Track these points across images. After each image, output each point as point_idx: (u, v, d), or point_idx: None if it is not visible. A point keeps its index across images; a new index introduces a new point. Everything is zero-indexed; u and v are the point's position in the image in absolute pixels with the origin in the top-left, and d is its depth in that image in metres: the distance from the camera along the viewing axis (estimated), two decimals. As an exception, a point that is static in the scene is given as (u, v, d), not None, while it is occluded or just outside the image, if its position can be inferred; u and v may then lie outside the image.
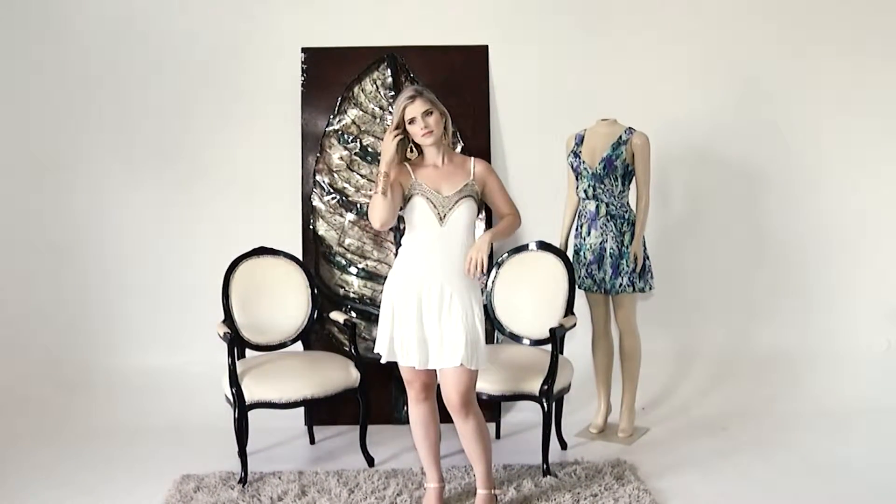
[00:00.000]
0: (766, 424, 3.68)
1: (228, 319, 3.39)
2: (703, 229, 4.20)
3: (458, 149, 3.81)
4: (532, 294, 3.48)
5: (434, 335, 2.62)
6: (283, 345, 3.50)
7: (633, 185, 3.57)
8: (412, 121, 2.61)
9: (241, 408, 3.08)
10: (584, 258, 3.56)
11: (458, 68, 3.92)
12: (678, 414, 3.86)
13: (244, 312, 3.44)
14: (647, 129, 3.54)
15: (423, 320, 2.62)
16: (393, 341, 2.66)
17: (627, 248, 3.48)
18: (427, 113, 2.60)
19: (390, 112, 4.00)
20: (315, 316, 3.56)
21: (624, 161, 3.45)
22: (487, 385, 3.15)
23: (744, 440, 3.49)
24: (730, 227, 4.19)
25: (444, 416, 2.83)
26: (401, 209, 2.63)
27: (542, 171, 3.94)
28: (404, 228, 2.74)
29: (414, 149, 2.68)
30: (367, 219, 3.85)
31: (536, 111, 4.09)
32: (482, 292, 2.98)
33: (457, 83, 3.88)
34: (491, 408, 3.62)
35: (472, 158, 2.72)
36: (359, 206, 4.00)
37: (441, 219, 2.63)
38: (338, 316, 3.50)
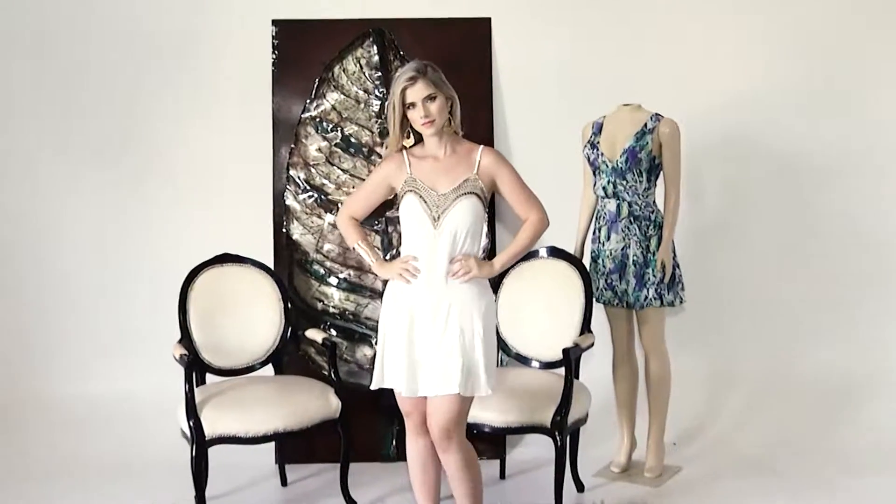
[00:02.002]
0: (820, 461, 3.67)
1: (186, 339, 3.39)
2: (743, 233, 4.21)
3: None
4: (542, 309, 3.49)
5: (426, 357, 2.61)
6: (250, 368, 3.52)
7: (659, 182, 3.56)
8: (411, 106, 2.60)
9: (200, 443, 3.07)
10: (604, 266, 3.56)
11: (455, 45, 3.94)
12: (715, 449, 3.86)
13: (204, 331, 3.44)
14: (676, 116, 3.54)
15: (415, 339, 2.62)
16: (384, 364, 2.67)
17: (654, 254, 3.49)
18: (429, 98, 2.58)
19: (377, 96, 4.02)
20: (288, 335, 3.57)
21: (649, 153, 3.45)
22: (490, 415, 3.14)
23: (794, 481, 3.48)
24: (773, 230, 4.21)
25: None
26: (395, 209, 2.68)
27: (553, 165, 3.93)
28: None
29: (412, 134, 2.68)
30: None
31: (547, 95, 4.10)
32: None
33: (454, 63, 3.77)
34: (495, 442, 3.64)
35: (481, 148, 2.69)
36: (340, 205, 3.98)
37: (435, 221, 2.62)
38: (315, 334, 3.52)
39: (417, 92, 2.57)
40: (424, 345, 2.61)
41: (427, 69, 2.59)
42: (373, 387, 2.68)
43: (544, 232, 2.72)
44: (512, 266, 3.36)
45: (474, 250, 2.65)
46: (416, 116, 2.60)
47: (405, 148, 2.66)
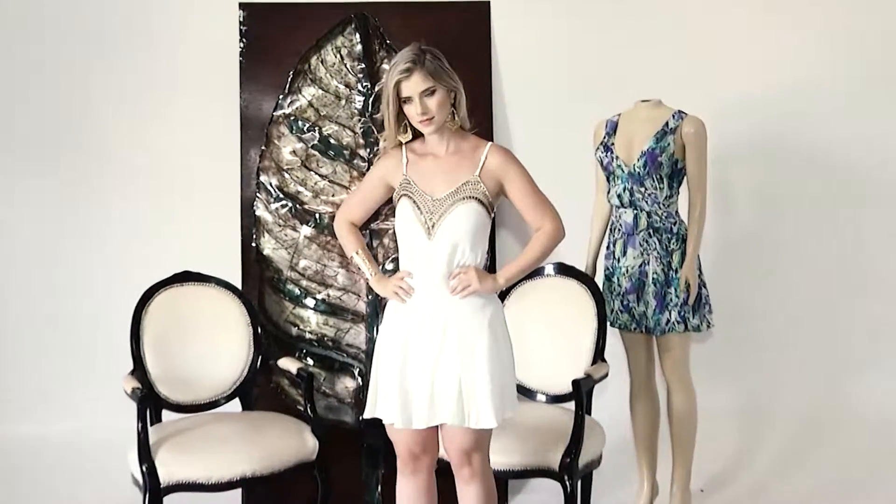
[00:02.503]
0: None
1: (139, 370, 3.39)
2: (779, 247, 4.21)
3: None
4: (549, 334, 3.49)
5: (420, 385, 2.62)
6: (213, 404, 3.51)
7: (683, 189, 3.57)
8: (407, 100, 2.61)
9: (154, 492, 3.03)
10: (619, 286, 3.58)
11: (450, 33, 3.94)
12: (749, 498, 3.80)
13: (161, 360, 3.44)
14: (702, 114, 3.54)
15: (408, 364, 2.64)
16: (378, 392, 2.70)
17: (676, 271, 3.50)
18: (428, 92, 2.59)
19: (360, 91, 4.03)
20: (258, 364, 3.58)
21: (671, 156, 3.47)
22: (490, 457, 3.06)
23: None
24: (814, 243, 4.21)
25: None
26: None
27: (559, 168, 3.93)
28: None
29: (410, 128, 2.69)
30: (330, 232, 3.92)
31: (553, 89, 4.11)
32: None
33: (449, 52, 3.63)
34: (496, 487, 3.59)
35: (488, 145, 2.69)
36: (318, 216, 4.01)
37: (429, 229, 2.64)
38: (289, 364, 3.53)
39: (414, 85, 2.57)
40: (418, 370, 2.62)
41: (425, 58, 2.59)
42: (365, 415, 2.70)
43: (559, 244, 2.72)
44: (514, 284, 3.33)
45: (476, 263, 2.65)
46: (412, 112, 2.60)
47: (402, 144, 2.69)
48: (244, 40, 4.01)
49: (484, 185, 2.65)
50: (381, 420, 2.69)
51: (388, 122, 2.64)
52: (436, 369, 2.60)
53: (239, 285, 3.88)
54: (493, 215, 2.68)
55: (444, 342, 2.60)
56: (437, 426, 2.64)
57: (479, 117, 3.79)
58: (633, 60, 4.08)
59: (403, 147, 2.68)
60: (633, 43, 4.11)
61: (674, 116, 3.50)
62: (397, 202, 2.69)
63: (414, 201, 2.66)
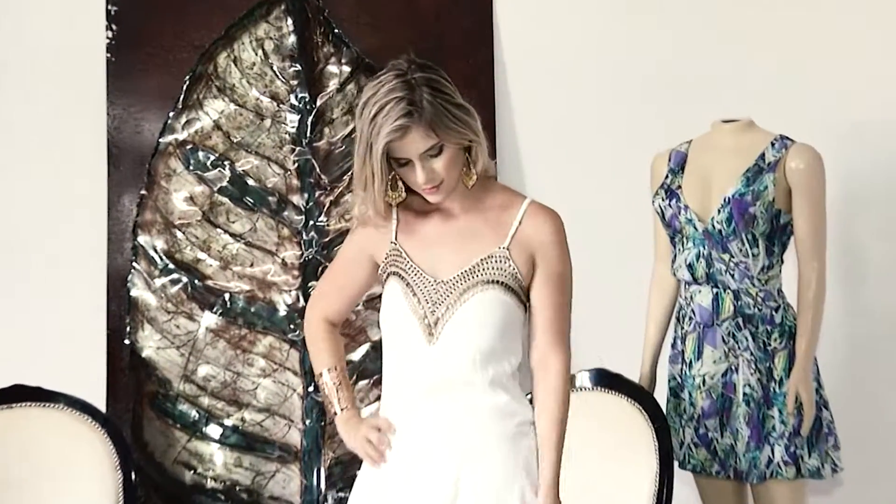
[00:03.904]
0: None
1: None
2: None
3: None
4: (585, 478, 3.29)
5: None
6: None
7: (789, 254, 3.58)
8: (405, 163, 2.62)
9: None
10: (692, 406, 3.59)
11: (436, 22, 4.04)
12: None
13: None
14: (817, 141, 3.55)
15: None
16: None
17: (782, 383, 3.50)
18: (433, 153, 2.59)
19: (294, 106, 4.09)
20: (130, 534, 3.53)
21: (770, 204, 3.48)
22: None
23: None
24: None
25: None
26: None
27: (591, 213, 3.97)
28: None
29: (403, 186, 2.71)
30: (246, 322, 4.03)
31: (583, 102, 4.17)
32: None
33: (435, 50, 3.91)
34: None
35: (525, 202, 2.71)
36: (228, 297, 4.04)
37: (430, 328, 2.64)
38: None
39: (411, 146, 2.58)
40: None
41: (422, 99, 2.57)
42: None
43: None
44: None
45: (507, 381, 2.67)
46: (411, 178, 2.63)
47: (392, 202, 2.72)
48: (113, 27, 4.02)
49: (514, 264, 2.65)
50: None
51: (370, 184, 2.63)
52: None
53: (102, 406, 3.86)
54: (526, 307, 2.68)
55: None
56: None
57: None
58: (702, 59, 4.18)
59: (393, 211, 2.73)
60: (691, 31, 4.23)
61: (774, 145, 3.52)
62: (383, 284, 2.72)
63: (407, 284, 2.66)
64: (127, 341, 4.02)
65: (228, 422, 4.03)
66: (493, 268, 2.65)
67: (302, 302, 4.02)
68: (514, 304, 2.65)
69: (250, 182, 4.08)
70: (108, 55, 4.05)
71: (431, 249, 2.69)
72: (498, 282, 2.64)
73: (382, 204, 2.68)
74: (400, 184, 2.69)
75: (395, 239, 2.71)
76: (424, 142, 2.57)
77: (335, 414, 2.76)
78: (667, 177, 3.63)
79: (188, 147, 4.07)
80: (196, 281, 4.06)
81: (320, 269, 3.98)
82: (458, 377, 2.65)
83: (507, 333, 2.66)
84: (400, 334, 2.68)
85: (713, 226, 3.50)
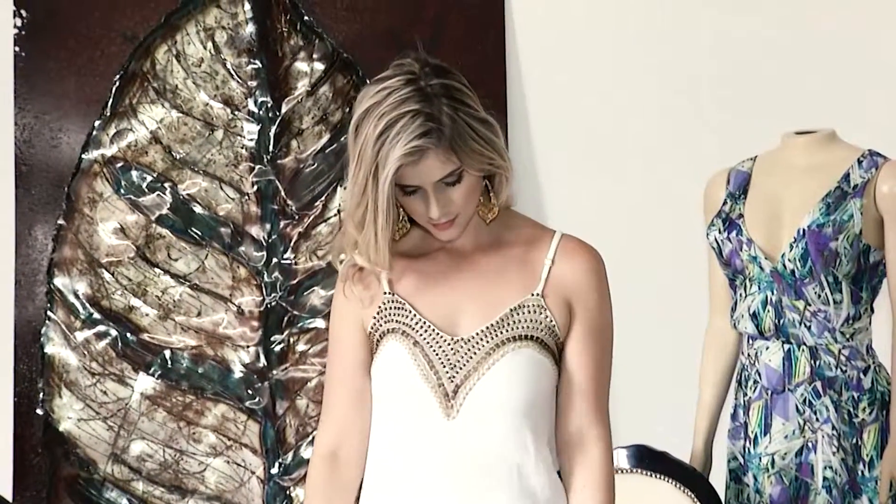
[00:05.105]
0: None
1: None
2: None
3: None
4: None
5: None
6: None
7: (881, 301, 3.35)
8: (413, 192, 2.42)
9: None
10: (759, 492, 3.36)
11: (436, 10, 4.07)
12: None
13: None
14: None
15: None
16: None
17: (873, 464, 3.27)
18: (450, 181, 2.39)
19: (252, 114, 4.05)
20: None
21: (856, 238, 3.25)
22: None
23: None
24: None
25: None
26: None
27: (626, 249, 3.89)
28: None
29: (407, 219, 2.56)
30: (192, 385, 3.98)
31: (617, 106, 4.16)
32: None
33: (435, 42, 4.01)
34: None
35: (557, 236, 2.53)
36: (168, 354, 3.95)
37: (447, 399, 2.44)
38: None
39: (425, 172, 2.39)
40: None
41: (441, 114, 2.38)
42: None
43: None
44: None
45: (547, 451, 2.49)
46: (419, 210, 2.44)
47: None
48: (23, 13, 3.98)
49: (551, 314, 2.45)
50: None
51: (370, 222, 2.42)
52: None
53: (8, 493, 3.85)
54: (558, 366, 2.52)
55: None
56: None
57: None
58: (764, 44, 4.12)
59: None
60: (770, 28, 4.14)
61: (861, 163, 3.31)
62: (375, 347, 2.51)
63: (415, 343, 2.45)
64: (40, 411, 3.92)
65: (170, 513, 3.84)
66: (525, 319, 2.45)
67: (262, 361, 3.96)
68: (550, 364, 2.47)
69: (197, 209, 3.99)
70: (17, 48, 3.98)
71: (443, 299, 2.48)
72: (532, 337, 2.44)
73: (386, 249, 2.44)
74: (402, 213, 2.53)
75: (391, 289, 2.47)
76: (443, 167, 2.37)
77: None
78: (725, 203, 3.37)
79: (118, 165, 3.97)
80: (128, 335, 3.95)
81: (285, 319, 3.97)
82: (486, 460, 2.42)
83: (545, 403, 2.49)
84: (405, 408, 2.45)
85: (784, 265, 3.25)
